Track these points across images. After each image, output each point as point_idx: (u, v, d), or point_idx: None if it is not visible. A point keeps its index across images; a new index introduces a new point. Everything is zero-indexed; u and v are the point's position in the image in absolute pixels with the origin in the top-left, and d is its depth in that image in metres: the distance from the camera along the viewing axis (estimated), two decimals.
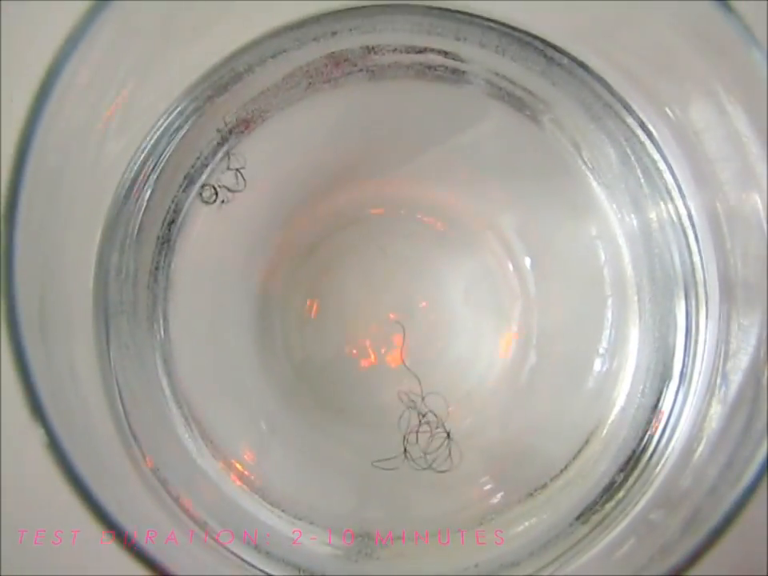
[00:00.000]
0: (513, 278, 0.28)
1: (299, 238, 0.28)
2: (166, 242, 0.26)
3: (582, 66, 0.25)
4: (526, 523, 0.25)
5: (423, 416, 0.27)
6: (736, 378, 0.21)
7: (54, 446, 0.18)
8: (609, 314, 0.26)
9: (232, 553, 0.23)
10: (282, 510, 0.25)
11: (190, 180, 0.26)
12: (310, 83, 0.26)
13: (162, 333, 0.26)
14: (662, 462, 0.24)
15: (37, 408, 0.18)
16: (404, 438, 0.27)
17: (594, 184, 0.27)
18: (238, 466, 0.25)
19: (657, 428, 0.25)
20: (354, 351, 0.29)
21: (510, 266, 0.28)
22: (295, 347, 0.28)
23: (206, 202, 0.26)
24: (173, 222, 0.26)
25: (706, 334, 0.24)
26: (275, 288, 0.28)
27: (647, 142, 0.26)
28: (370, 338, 0.29)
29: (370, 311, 0.29)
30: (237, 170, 0.26)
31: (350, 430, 0.28)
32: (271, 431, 0.27)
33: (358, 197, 0.29)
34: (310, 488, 0.26)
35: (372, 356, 0.29)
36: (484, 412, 0.27)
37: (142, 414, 0.24)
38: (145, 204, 0.25)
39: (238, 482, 0.25)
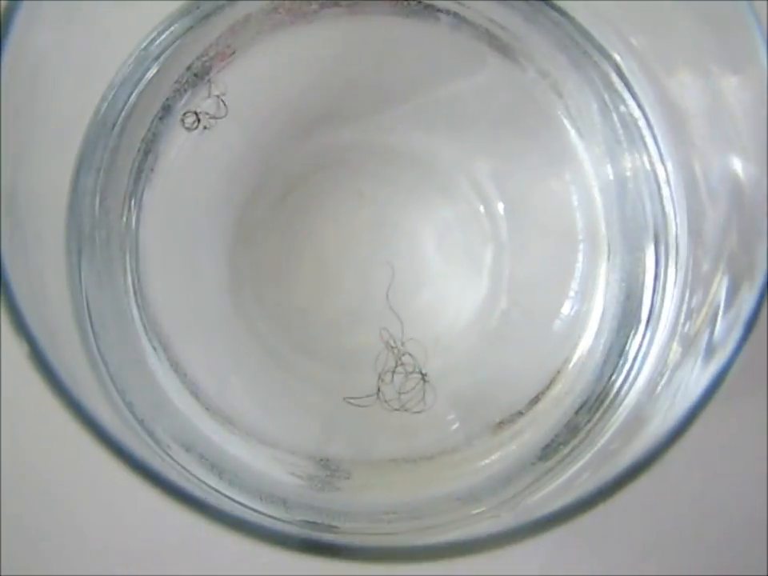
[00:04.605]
0: (486, 224, 0.28)
1: (277, 176, 0.28)
2: (141, 170, 0.26)
3: (565, 14, 0.26)
4: (488, 459, 0.25)
5: (401, 356, 0.27)
6: (695, 323, 0.22)
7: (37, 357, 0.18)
8: (579, 259, 0.27)
9: (195, 477, 0.23)
10: (247, 438, 0.25)
11: (168, 107, 0.26)
12: (291, 17, 0.26)
13: (135, 262, 0.26)
14: (624, 403, 0.24)
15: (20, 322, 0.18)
16: (379, 377, 0.27)
17: (572, 132, 0.27)
18: (204, 394, 0.26)
19: (621, 371, 0.25)
20: (328, 294, 0.29)
21: (483, 212, 0.28)
22: (269, 287, 0.28)
23: (188, 129, 0.26)
24: (150, 149, 0.26)
25: (675, 281, 0.25)
26: (251, 226, 0.28)
27: (625, 93, 0.26)
28: (345, 282, 0.29)
29: (346, 255, 0.29)
30: (218, 96, 0.26)
31: (321, 369, 0.28)
32: (240, 365, 0.27)
33: (337, 138, 0.29)
34: (275, 419, 0.26)
35: (347, 299, 0.29)
36: (455, 355, 0.28)
37: (111, 339, 0.25)
38: (121, 129, 0.25)
39: (204, 410, 0.25)
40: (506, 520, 0.18)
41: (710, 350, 0.19)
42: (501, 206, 0.28)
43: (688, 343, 0.22)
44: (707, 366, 0.19)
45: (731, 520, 0.28)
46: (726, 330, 0.19)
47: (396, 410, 0.26)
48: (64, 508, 0.28)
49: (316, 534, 0.21)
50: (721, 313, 0.20)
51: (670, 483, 0.28)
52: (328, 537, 0.22)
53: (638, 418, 0.22)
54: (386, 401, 0.26)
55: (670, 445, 0.16)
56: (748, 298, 0.17)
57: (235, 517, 0.16)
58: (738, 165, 0.21)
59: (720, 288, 0.21)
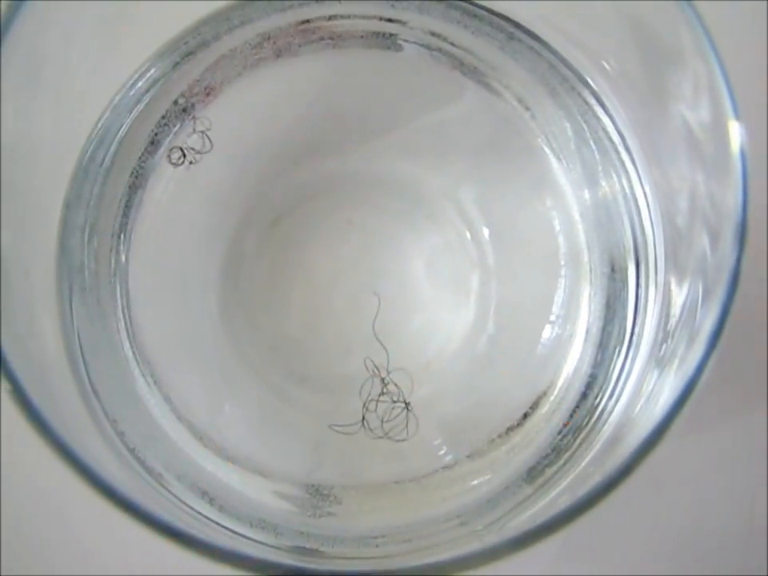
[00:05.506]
0: (472, 250, 0.29)
1: (265, 206, 0.29)
2: (130, 205, 0.26)
3: (540, 41, 0.26)
4: (476, 481, 0.25)
5: (386, 385, 0.28)
6: (672, 342, 0.22)
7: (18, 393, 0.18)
8: (563, 283, 0.27)
9: (186, 505, 0.24)
10: (238, 466, 0.26)
11: (155, 143, 0.26)
12: (276, 52, 0.27)
13: (125, 295, 0.27)
14: (607, 423, 0.24)
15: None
16: (364, 405, 0.27)
17: (552, 157, 0.27)
18: (195, 423, 0.26)
19: (605, 392, 0.25)
20: (318, 321, 0.29)
21: (470, 238, 0.29)
22: (259, 316, 0.29)
23: (175, 164, 0.26)
24: (138, 184, 0.26)
25: (655, 302, 0.25)
26: (241, 256, 0.29)
27: (602, 117, 0.26)
28: (335, 309, 0.29)
29: (335, 283, 0.30)
30: (202, 132, 0.26)
31: (311, 396, 0.28)
32: (231, 393, 0.28)
33: (324, 168, 0.29)
34: (266, 446, 0.26)
35: (337, 326, 0.29)
36: (443, 382, 0.28)
37: (102, 370, 0.25)
38: (109, 164, 0.26)
39: (195, 439, 0.26)
40: (489, 540, 0.19)
41: (680, 370, 0.19)
42: (486, 232, 0.28)
43: (664, 363, 0.22)
44: (673, 385, 0.19)
45: (733, 524, 0.28)
46: (691, 349, 0.19)
47: (379, 437, 0.26)
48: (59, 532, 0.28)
49: (304, 560, 0.22)
50: (689, 332, 0.20)
51: (671, 487, 0.28)
52: (317, 563, 0.22)
53: (616, 439, 0.22)
54: (370, 429, 0.27)
55: (634, 465, 0.16)
56: (710, 316, 0.17)
57: (220, 548, 0.17)
58: (708, 186, 0.21)
59: (691, 308, 0.21)
